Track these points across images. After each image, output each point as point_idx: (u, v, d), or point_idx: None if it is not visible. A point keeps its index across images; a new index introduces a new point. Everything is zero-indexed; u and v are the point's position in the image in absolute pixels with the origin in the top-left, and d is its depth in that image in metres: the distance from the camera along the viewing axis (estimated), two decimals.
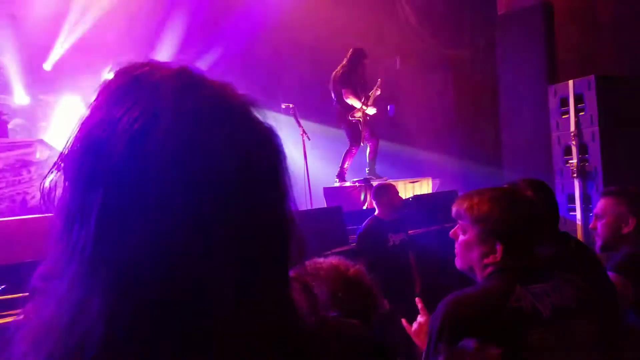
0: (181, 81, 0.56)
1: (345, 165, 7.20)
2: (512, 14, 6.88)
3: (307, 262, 1.36)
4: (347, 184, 7.14)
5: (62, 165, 0.55)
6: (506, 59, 6.88)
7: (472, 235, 1.57)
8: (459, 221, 1.63)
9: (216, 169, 0.52)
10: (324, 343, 0.62)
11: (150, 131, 0.51)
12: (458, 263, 1.67)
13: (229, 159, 0.53)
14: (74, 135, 0.54)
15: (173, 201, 0.50)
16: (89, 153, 0.53)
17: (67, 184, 0.54)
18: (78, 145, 0.54)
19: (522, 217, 1.54)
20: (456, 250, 1.66)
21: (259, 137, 0.58)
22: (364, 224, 4.58)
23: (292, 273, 0.63)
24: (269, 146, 0.58)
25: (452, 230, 1.66)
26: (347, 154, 7.16)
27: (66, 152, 0.54)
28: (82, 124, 0.55)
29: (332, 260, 1.45)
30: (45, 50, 7.12)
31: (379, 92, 7.09)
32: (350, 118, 7.01)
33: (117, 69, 0.57)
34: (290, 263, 0.60)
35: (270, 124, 0.60)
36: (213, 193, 0.52)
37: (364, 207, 6.61)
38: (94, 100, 0.56)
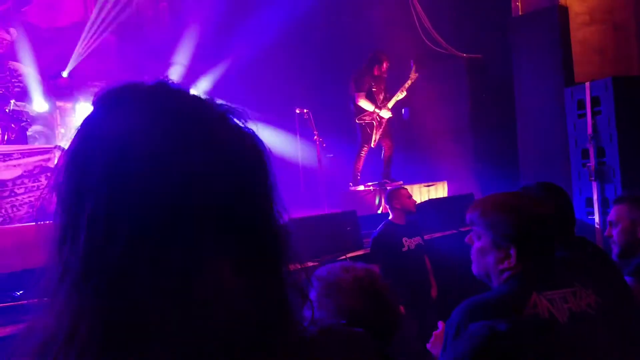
0: (157, 97, 0.59)
1: (357, 169, 7.20)
2: (527, 17, 6.83)
3: (330, 271, 1.34)
4: (361, 187, 7.13)
5: (55, 181, 0.58)
6: (521, 61, 6.82)
7: (487, 241, 1.57)
8: (473, 227, 1.62)
9: (195, 175, 0.54)
10: (321, 350, 0.61)
11: (130, 146, 0.54)
12: (474, 270, 1.66)
13: (208, 165, 0.55)
14: (64, 154, 0.58)
15: (153, 209, 0.52)
16: (74, 170, 0.56)
17: (58, 199, 0.57)
18: (66, 162, 0.57)
19: (535, 221, 1.53)
20: (472, 257, 1.66)
21: (238, 140, 0.60)
22: (378, 228, 4.57)
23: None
24: (248, 148, 0.60)
25: (468, 237, 1.66)
26: (356, 156, 7.17)
27: (57, 170, 0.58)
28: (69, 146, 0.58)
29: (359, 272, 1.38)
30: (63, 57, 7.22)
31: (402, 95, 7.08)
32: (357, 121, 7.04)
33: (97, 94, 0.61)
34: (278, 265, 0.60)
35: (250, 128, 0.62)
36: (195, 199, 0.54)
37: (379, 211, 6.59)
38: (80, 125, 0.59)
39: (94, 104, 0.59)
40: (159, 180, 0.53)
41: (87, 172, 0.54)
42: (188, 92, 0.61)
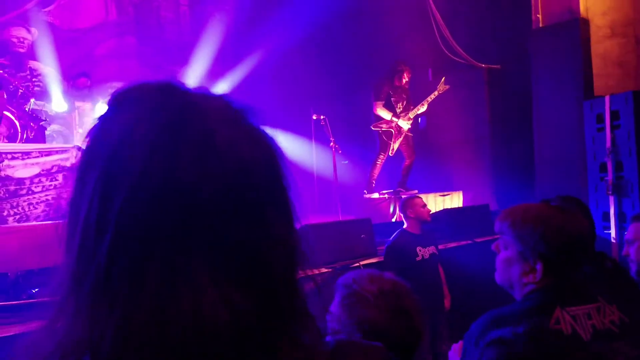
0: (162, 96, 0.57)
1: (373, 177, 7.19)
2: (548, 29, 6.79)
3: (356, 280, 1.30)
4: (376, 195, 7.11)
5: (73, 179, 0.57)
6: (540, 73, 6.78)
7: (514, 252, 1.53)
8: (501, 236, 1.59)
9: (199, 177, 0.52)
10: None
11: (134, 145, 0.53)
12: (498, 278, 1.63)
13: (213, 167, 0.52)
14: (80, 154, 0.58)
15: (143, 212, 0.51)
16: (80, 170, 0.56)
17: (74, 196, 0.56)
18: (81, 161, 0.57)
19: (566, 239, 1.48)
20: (496, 265, 1.63)
21: (248, 144, 0.56)
22: (392, 236, 4.55)
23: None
24: (261, 152, 0.57)
25: (494, 244, 1.62)
26: (372, 164, 7.17)
27: (74, 170, 0.57)
28: (85, 147, 0.57)
29: (386, 284, 1.32)
30: (83, 58, 7.30)
31: (423, 109, 7.06)
32: (373, 128, 7.05)
33: (111, 93, 0.60)
34: (293, 273, 0.58)
35: (265, 131, 0.59)
36: (200, 201, 0.51)
37: (393, 220, 6.57)
38: (95, 126, 0.59)
39: (107, 103, 0.60)
40: (152, 183, 0.51)
41: (89, 172, 0.54)
42: (198, 92, 0.59)
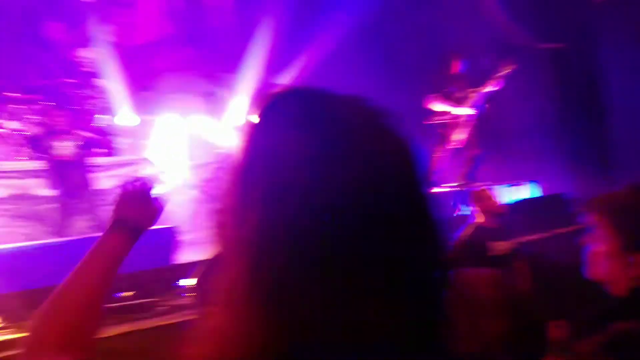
0: (316, 106, 0.58)
1: (433, 170, 7.04)
2: (613, 1, 6.44)
3: (465, 281, 1.19)
4: (438, 189, 6.95)
5: (240, 184, 0.56)
6: (609, 50, 6.45)
7: (613, 246, 1.42)
8: (594, 229, 1.48)
9: (360, 189, 0.53)
10: None
11: (297, 158, 0.54)
12: (590, 272, 1.52)
13: (362, 171, 0.53)
14: (246, 156, 0.57)
15: (313, 222, 0.51)
16: (248, 180, 0.55)
17: (237, 204, 0.55)
18: (241, 168, 0.56)
19: None
20: (588, 259, 1.52)
21: (390, 147, 0.57)
22: (462, 230, 4.42)
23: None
24: (399, 156, 0.58)
25: (583, 237, 1.51)
26: (433, 157, 7.03)
27: (242, 172, 0.56)
28: (243, 154, 0.57)
29: (510, 291, 1.22)
30: (145, 73, 7.56)
31: (490, 88, 6.77)
32: (430, 122, 6.91)
33: (264, 99, 0.60)
34: (444, 285, 0.58)
35: (403, 134, 0.60)
36: (364, 213, 0.52)
37: (456, 214, 6.40)
38: (249, 135, 0.58)
39: (261, 110, 0.59)
40: (319, 192, 0.52)
41: (250, 180, 0.55)
42: (347, 102, 0.60)
